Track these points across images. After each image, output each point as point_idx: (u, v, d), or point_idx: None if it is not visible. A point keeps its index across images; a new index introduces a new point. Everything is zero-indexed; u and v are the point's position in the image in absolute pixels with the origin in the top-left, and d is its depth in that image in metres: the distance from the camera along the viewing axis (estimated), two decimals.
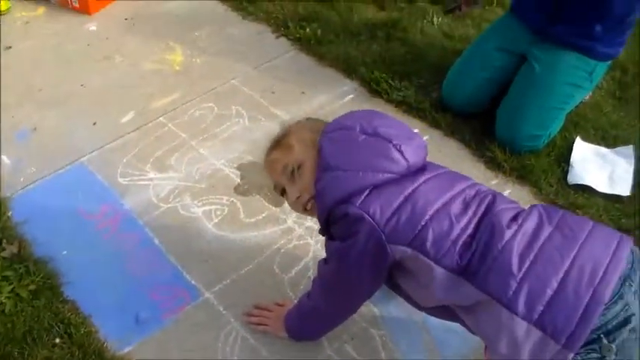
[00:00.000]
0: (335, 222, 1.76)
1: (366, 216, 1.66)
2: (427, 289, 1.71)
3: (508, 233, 1.60)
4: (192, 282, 2.35)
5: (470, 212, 1.68)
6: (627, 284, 1.53)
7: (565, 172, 2.74)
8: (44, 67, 3.36)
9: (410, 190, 1.70)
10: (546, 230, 1.63)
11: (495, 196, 1.76)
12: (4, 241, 2.43)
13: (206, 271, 2.38)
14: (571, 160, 2.77)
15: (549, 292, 1.52)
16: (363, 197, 1.68)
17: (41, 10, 3.82)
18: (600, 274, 1.52)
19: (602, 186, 2.68)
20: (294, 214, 2.52)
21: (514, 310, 1.53)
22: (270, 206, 2.59)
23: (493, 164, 2.78)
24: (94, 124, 3.02)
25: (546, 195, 2.61)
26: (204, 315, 2.25)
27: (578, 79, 2.75)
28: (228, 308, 2.26)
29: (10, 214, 2.58)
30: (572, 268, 1.53)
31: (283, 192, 1.96)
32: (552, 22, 2.74)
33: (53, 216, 2.58)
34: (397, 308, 2.23)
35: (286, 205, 2.37)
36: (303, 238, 2.47)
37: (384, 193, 1.69)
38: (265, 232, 2.51)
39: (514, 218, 1.66)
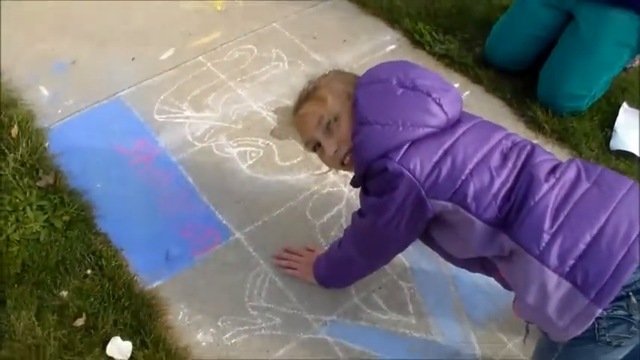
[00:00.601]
0: (372, 177, 1.73)
1: (406, 172, 1.63)
2: (465, 242, 1.69)
3: (545, 186, 1.58)
4: (224, 222, 2.35)
5: (509, 164, 1.64)
6: None
7: (608, 138, 2.69)
8: (85, 1, 3.33)
9: (449, 143, 1.67)
10: (584, 185, 1.60)
11: (534, 147, 1.72)
12: (41, 171, 2.45)
13: (238, 212, 2.38)
14: (615, 125, 2.71)
15: (582, 246, 1.50)
16: (402, 152, 1.65)
17: None
18: (636, 233, 1.49)
19: None
20: None
21: (546, 262, 1.51)
22: (306, 151, 2.57)
23: (534, 124, 2.74)
24: (133, 59, 3.01)
25: (586, 159, 2.56)
26: (233, 255, 2.26)
27: (626, 38, 2.64)
28: (258, 250, 2.27)
29: (47, 144, 2.59)
30: (607, 225, 1.51)
31: (315, 148, 1.92)
32: None
33: (89, 149, 2.60)
34: (428, 262, 2.23)
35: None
36: (336, 185, 2.46)
37: (423, 147, 1.66)
38: (299, 177, 2.50)
39: (552, 171, 1.63)
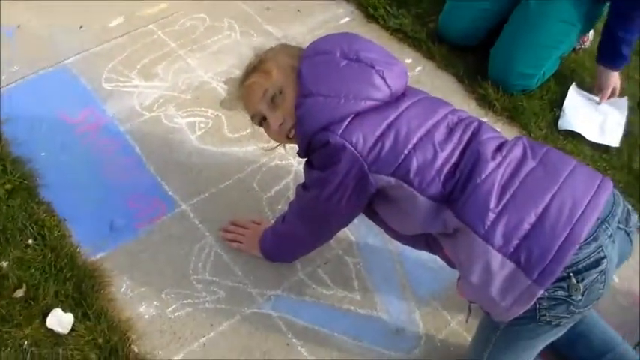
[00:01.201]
0: (315, 150, 1.72)
1: (348, 145, 1.62)
2: (409, 218, 1.69)
3: (491, 164, 1.58)
4: (170, 193, 2.33)
5: (454, 140, 1.65)
6: (604, 227, 1.53)
7: (556, 118, 2.72)
8: None
9: (393, 117, 1.66)
10: (529, 164, 1.61)
11: (480, 124, 1.72)
12: None
13: (185, 183, 2.36)
14: (563, 105, 2.75)
15: (527, 226, 1.51)
16: (344, 125, 1.64)
17: None
18: (578, 213, 1.51)
19: (591, 135, 2.66)
20: None
21: (490, 241, 1.52)
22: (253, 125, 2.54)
23: (484, 102, 2.76)
24: (81, 27, 2.93)
25: (535, 138, 2.58)
26: (179, 227, 2.24)
27: (573, 17, 2.68)
28: (204, 222, 2.25)
29: None
30: (551, 205, 1.52)
31: (262, 122, 1.90)
32: None
33: (34, 117, 2.54)
34: (374, 238, 2.24)
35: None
36: (285, 157, 2.45)
37: (367, 121, 1.65)
38: (248, 149, 2.48)
39: (498, 149, 1.64)
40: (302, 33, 2.93)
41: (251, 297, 2.09)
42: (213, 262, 2.16)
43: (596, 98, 2.78)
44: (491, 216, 1.53)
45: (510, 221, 1.52)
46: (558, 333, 1.67)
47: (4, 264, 2.07)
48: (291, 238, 2.05)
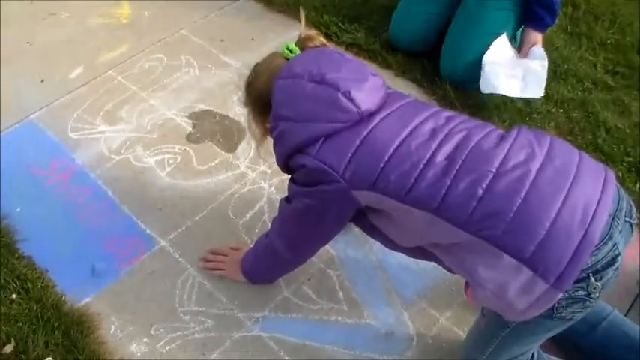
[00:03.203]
0: (294, 170, 1.74)
1: (324, 166, 1.62)
2: (404, 229, 1.69)
3: (494, 164, 1.53)
4: (147, 231, 2.35)
5: (437, 141, 1.59)
6: (615, 223, 1.50)
7: (518, 108, 2.74)
8: None
9: (365, 132, 1.63)
10: (537, 161, 1.55)
11: (474, 126, 1.66)
12: None
13: (161, 220, 2.38)
14: (483, 60, 2.68)
15: (542, 231, 1.46)
16: (317, 147, 1.64)
17: None
18: (591, 213, 1.47)
19: (514, 91, 2.65)
20: (247, 160, 2.54)
21: (505, 249, 1.48)
22: (223, 152, 2.59)
23: (446, 102, 2.80)
24: (42, 81, 2.96)
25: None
26: (160, 263, 2.26)
27: (509, 3, 2.74)
28: (184, 255, 2.27)
29: None
30: (564, 207, 1.47)
31: None
32: None
33: (5, 174, 2.55)
34: (354, 250, 2.26)
35: (239, 150, 2.40)
36: (256, 182, 2.48)
37: (339, 140, 1.63)
38: (218, 178, 2.51)
39: (497, 145, 1.58)
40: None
41: (239, 321, 2.10)
42: (198, 292, 2.17)
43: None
44: (503, 224, 1.48)
45: (524, 228, 1.47)
46: (568, 324, 1.63)
47: None
48: (272, 255, 2.02)
